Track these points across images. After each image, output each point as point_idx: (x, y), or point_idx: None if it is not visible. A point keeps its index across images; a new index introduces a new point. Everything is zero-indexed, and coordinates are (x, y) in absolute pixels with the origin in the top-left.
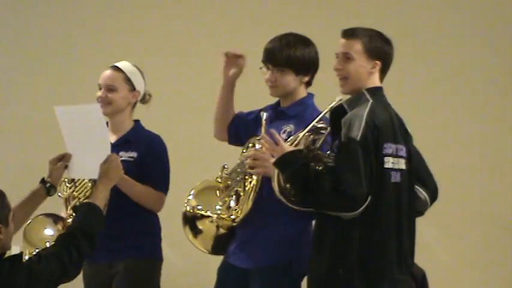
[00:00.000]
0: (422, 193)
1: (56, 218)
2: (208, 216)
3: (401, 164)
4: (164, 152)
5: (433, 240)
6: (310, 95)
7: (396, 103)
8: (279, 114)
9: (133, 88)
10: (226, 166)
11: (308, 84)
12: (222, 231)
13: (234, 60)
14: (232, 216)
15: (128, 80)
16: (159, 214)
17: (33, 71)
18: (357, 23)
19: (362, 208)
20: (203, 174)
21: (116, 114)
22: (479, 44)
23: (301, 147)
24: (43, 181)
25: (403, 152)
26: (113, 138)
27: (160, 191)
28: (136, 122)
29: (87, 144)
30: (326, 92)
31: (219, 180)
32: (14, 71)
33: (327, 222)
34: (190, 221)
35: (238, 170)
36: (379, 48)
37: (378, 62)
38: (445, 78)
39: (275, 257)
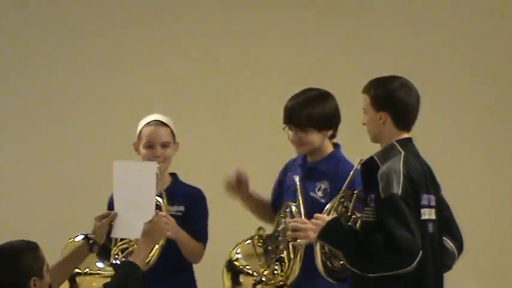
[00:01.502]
0: (449, 244)
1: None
2: (256, 279)
3: (433, 214)
4: (205, 204)
5: None
6: (338, 147)
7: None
8: (309, 171)
9: (175, 140)
10: (262, 228)
11: (332, 136)
12: None
13: (237, 183)
14: (281, 283)
15: (172, 133)
16: None
17: (85, 127)
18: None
19: (416, 262)
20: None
21: None
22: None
23: (335, 214)
24: (86, 237)
25: (433, 201)
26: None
27: (202, 243)
28: (174, 174)
29: (135, 202)
30: None
31: (259, 243)
32: (61, 124)
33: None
34: (236, 271)
35: (280, 237)
36: (386, 99)
37: (383, 112)
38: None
39: None
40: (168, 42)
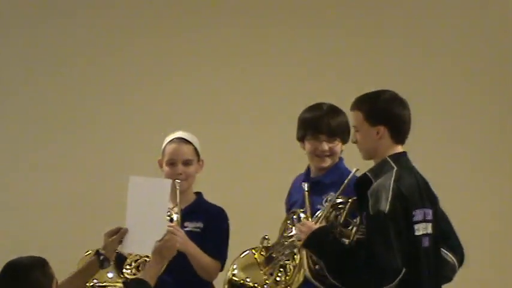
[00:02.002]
0: (450, 257)
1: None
2: None
3: (429, 228)
4: (227, 225)
5: None
6: (341, 159)
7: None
8: (313, 185)
9: (199, 158)
10: (267, 237)
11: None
12: None
13: None
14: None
15: (196, 151)
16: None
17: (99, 143)
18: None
19: (397, 281)
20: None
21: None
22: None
23: (323, 224)
24: (97, 253)
25: (429, 215)
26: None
27: (219, 261)
28: (199, 193)
29: (146, 218)
30: None
31: (262, 252)
32: (72, 142)
33: None
34: (236, 286)
35: (286, 243)
36: (381, 113)
37: (381, 127)
38: None
39: None
40: (192, 59)
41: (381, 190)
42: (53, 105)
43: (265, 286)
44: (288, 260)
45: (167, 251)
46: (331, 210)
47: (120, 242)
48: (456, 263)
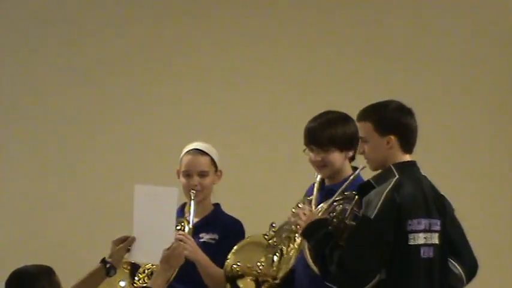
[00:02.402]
0: (457, 268)
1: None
2: (250, 273)
3: (435, 239)
4: (242, 237)
5: None
6: (356, 169)
7: None
8: (327, 194)
9: (216, 169)
10: (274, 224)
11: (352, 159)
12: None
13: None
14: (273, 274)
15: (213, 162)
16: None
17: (104, 147)
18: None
19: (368, 287)
20: None
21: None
22: None
23: (325, 216)
24: (103, 261)
25: (437, 226)
26: (195, 220)
27: None
28: (217, 204)
29: (154, 227)
30: None
31: (266, 237)
32: (80, 145)
33: None
34: (231, 280)
35: (285, 227)
36: (391, 122)
37: (391, 136)
38: None
39: None
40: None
41: (374, 197)
42: (65, 109)
43: (258, 269)
44: (285, 246)
45: (175, 260)
46: (336, 204)
47: (128, 250)
48: (463, 275)
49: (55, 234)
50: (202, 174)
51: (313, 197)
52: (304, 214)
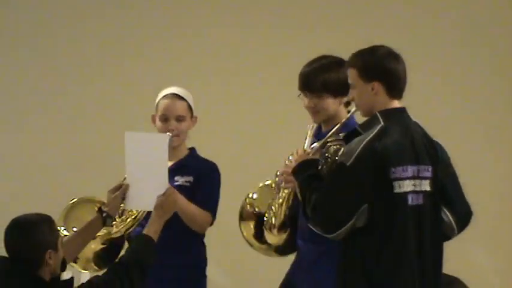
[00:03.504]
0: (447, 216)
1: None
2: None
3: (425, 186)
4: (217, 177)
5: (485, 264)
6: (352, 116)
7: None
8: (323, 139)
9: (192, 114)
10: (278, 173)
11: (347, 104)
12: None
13: None
14: (273, 221)
15: (190, 107)
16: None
17: (100, 99)
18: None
19: (339, 232)
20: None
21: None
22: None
23: (317, 156)
24: (100, 210)
25: (428, 172)
26: (169, 163)
27: (209, 212)
28: (192, 149)
29: (146, 174)
30: None
31: (273, 185)
32: (77, 98)
33: (342, 246)
34: (243, 217)
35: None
36: (375, 68)
37: (375, 82)
38: None
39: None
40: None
41: (355, 145)
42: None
43: (270, 210)
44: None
45: (168, 206)
46: (329, 144)
47: (123, 198)
48: (454, 223)
49: (47, 185)
50: (180, 119)
51: (306, 141)
52: (297, 153)
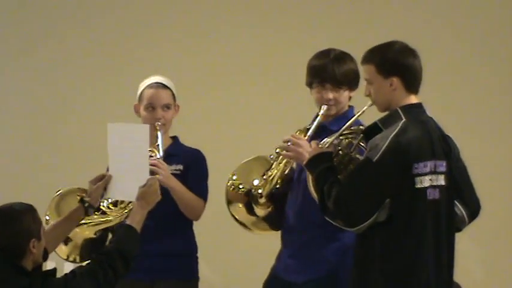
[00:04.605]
0: (460, 209)
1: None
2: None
3: (441, 180)
4: (205, 164)
5: (471, 256)
6: (351, 108)
7: None
8: (320, 130)
9: (175, 103)
10: (277, 151)
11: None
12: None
13: None
14: (260, 191)
15: (173, 96)
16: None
17: (85, 88)
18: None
19: (361, 226)
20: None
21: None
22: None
23: (330, 149)
24: (82, 201)
25: (443, 167)
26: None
27: (202, 198)
28: (175, 137)
29: (128, 165)
30: None
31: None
32: (65, 88)
33: (361, 238)
34: (228, 199)
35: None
36: (393, 64)
37: (394, 78)
38: None
39: (324, 269)
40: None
41: (379, 141)
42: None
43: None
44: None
45: (151, 196)
46: (341, 138)
47: (105, 189)
48: (465, 216)
49: (29, 175)
50: (167, 107)
51: (313, 126)
52: (296, 139)
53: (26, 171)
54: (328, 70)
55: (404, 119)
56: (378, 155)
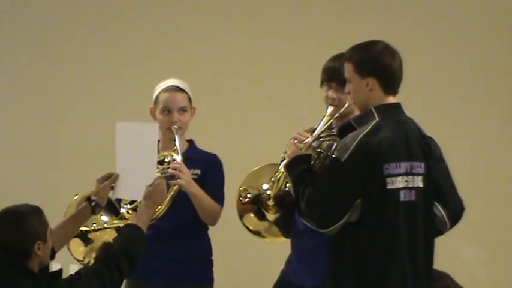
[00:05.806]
0: (439, 211)
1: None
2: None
3: (418, 182)
4: (222, 169)
5: (472, 259)
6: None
7: None
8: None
9: (191, 106)
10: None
11: None
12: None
13: None
14: (268, 192)
15: (190, 99)
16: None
17: (91, 88)
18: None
19: (333, 228)
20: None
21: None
22: None
23: (309, 151)
24: (89, 199)
25: (420, 168)
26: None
27: (219, 204)
28: (191, 141)
29: (136, 164)
30: None
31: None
32: (68, 90)
33: (334, 239)
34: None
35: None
36: (370, 64)
37: (371, 78)
38: None
39: None
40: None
41: (350, 140)
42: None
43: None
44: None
45: (157, 196)
46: (322, 139)
47: (112, 187)
48: (446, 217)
49: (38, 174)
50: (184, 110)
51: (318, 130)
52: (294, 142)
53: (31, 172)
54: (335, 70)
55: (377, 119)
56: (346, 155)
